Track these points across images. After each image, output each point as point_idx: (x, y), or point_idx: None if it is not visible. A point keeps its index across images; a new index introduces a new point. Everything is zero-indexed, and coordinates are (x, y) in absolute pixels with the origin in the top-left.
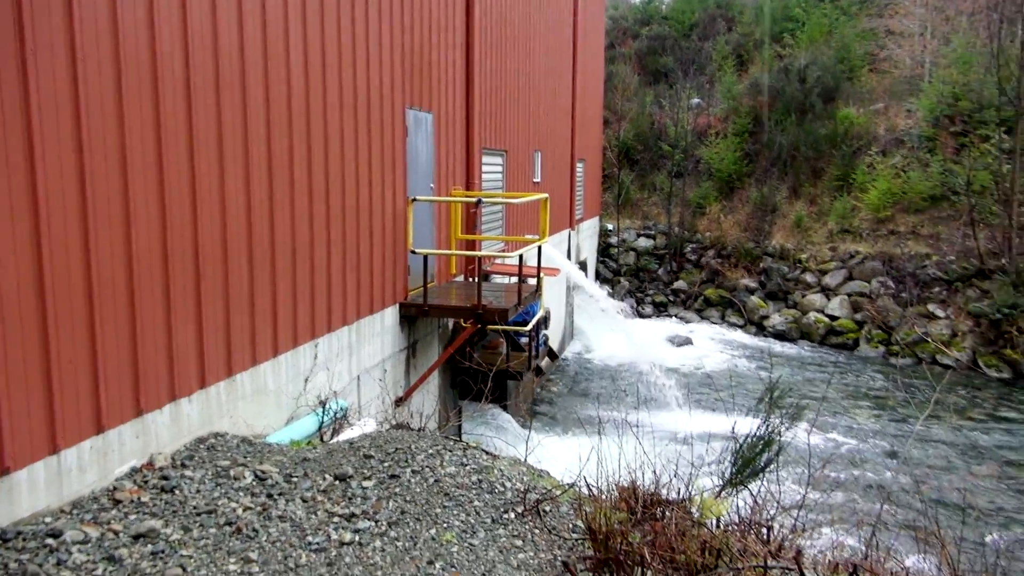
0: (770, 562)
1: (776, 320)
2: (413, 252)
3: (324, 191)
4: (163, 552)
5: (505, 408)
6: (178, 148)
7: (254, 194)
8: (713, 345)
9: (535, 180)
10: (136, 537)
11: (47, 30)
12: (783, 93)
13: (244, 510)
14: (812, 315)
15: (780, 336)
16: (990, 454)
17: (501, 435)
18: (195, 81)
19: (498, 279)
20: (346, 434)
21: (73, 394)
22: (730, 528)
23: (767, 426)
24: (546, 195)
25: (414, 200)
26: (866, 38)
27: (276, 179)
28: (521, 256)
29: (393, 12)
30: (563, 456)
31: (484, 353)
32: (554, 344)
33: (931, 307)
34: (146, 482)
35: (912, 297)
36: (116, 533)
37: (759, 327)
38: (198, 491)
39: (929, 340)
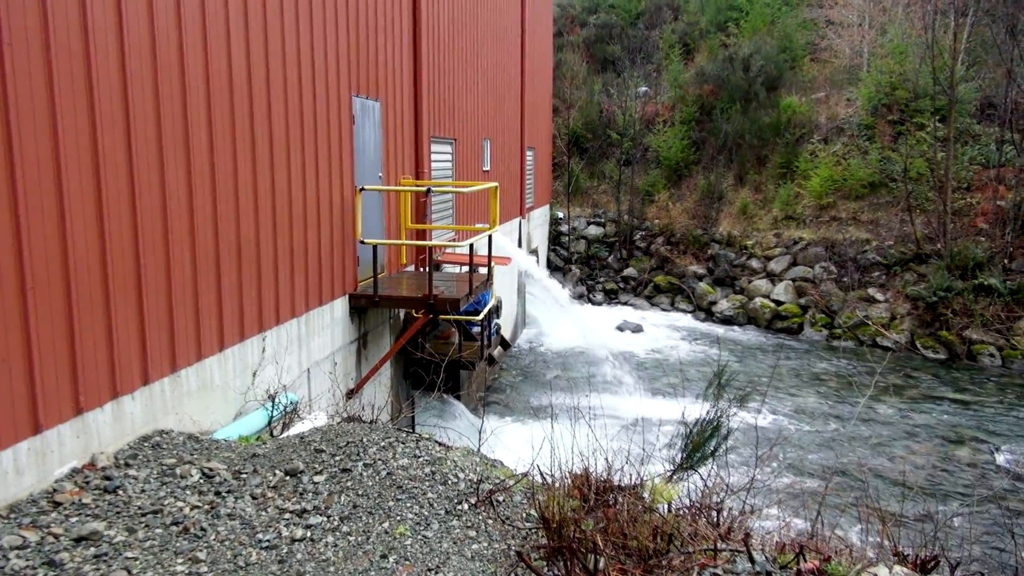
0: (720, 545)
1: (724, 306)
2: (362, 242)
3: (269, 181)
4: (107, 555)
5: (458, 398)
6: (115, 140)
7: (195, 186)
8: (664, 331)
9: (485, 168)
10: (78, 540)
11: None
12: (728, 82)
13: (191, 509)
14: (758, 300)
15: (728, 321)
16: (927, 432)
17: (454, 425)
18: (131, 68)
19: (449, 268)
20: (296, 428)
21: (7, 394)
22: (681, 512)
23: (716, 410)
24: (496, 184)
25: (362, 190)
26: (807, 28)
27: (219, 170)
28: (472, 245)
29: None
30: (516, 445)
31: (436, 343)
32: (506, 333)
33: (871, 291)
34: (88, 483)
35: (853, 281)
36: (57, 536)
37: (708, 313)
38: (143, 491)
39: (869, 323)
